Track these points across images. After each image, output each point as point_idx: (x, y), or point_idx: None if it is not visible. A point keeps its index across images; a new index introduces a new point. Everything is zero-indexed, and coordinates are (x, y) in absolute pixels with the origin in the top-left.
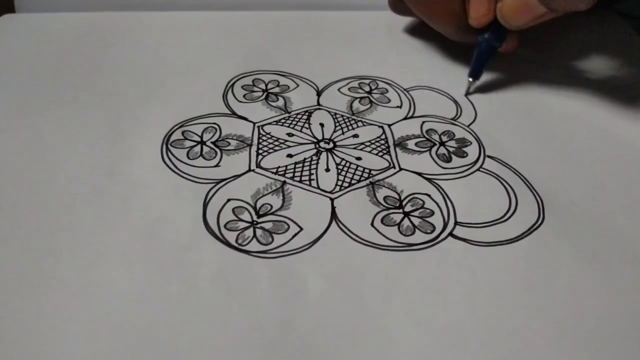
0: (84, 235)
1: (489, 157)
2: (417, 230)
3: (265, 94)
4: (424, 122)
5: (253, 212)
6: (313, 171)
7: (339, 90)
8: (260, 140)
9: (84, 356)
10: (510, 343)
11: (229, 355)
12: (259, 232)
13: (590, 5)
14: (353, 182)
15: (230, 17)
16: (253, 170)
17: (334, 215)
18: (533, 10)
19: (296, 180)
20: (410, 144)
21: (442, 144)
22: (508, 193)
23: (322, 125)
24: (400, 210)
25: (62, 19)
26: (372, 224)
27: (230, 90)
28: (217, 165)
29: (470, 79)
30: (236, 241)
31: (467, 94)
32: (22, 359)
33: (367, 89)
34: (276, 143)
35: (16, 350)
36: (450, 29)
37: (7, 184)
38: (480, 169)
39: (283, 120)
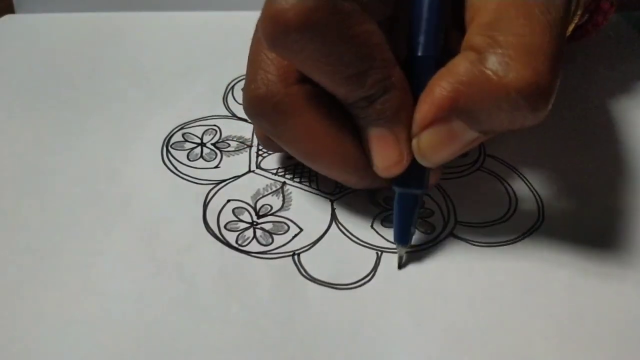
0: (85, 236)
1: (489, 156)
2: (417, 230)
3: None
4: None
5: (253, 213)
6: (313, 172)
7: None
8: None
9: (84, 356)
10: (510, 343)
11: (229, 355)
12: (259, 232)
13: (542, 119)
14: None
15: (230, 18)
16: (253, 171)
17: (334, 217)
18: (460, 139)
19: (296, 181)
20: None
21: None
22: (508, 193)
23: None
24: None
25: (62, 19)
26: (372, 226)
27: (230, 92)
28: (217, 167)
29: (400, 246)
30: (236, 242)
31: (401, 266)
32: (22, 359)
33: None
34: None
35: (16, 351)
36: (349, 177)
37: (7, 184)
38: (480, 169)
39: None
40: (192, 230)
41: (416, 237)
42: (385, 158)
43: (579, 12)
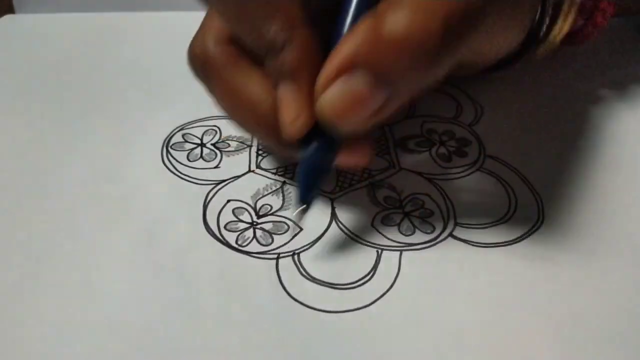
0: (85, 237)
1: (489, 156)
2: (417, 230)
3: None
4: (424, 122)
5: (253, 213)
6: None
7: None
8: (260, 141)
9: (84, 357)
10: (510, 343)
11: (229, 356)
12: (259, 232)
13: (442, 71)
14: (353, 182)
15: None
16: (253, 171)
17: (334, 216)
18: (367, 103)
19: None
20: (411, 144)
21: (442, 143)
22: (508, 193)
23: None
24: (400, 211)
25: (62, 19)
26: (372, 224)
27: None
28: (217, 167)
29: (299, 206)
30: (236, 242)
31: (298, 223)
32: (22, 359)
33: None
34: None
35: (16, 351)
36: (265, 138)
37: (7, 185)
38: (480, 169)
39: None
40: (192, 231)
41: (416, 237)
42: (286, 114)
43: (572, 16)
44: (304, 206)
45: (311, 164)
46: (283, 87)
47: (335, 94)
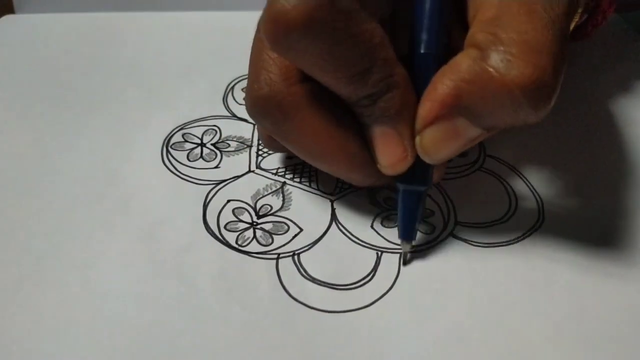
0: (85, 237)
1: (489, 156)
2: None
3: None
4: None
5: (253, 213)
6: (313, 172)
7: None
8: (260, 142)
9: (84, 357)
10: (510, 343)
11: (229, 356)
12: (259, 233)
13: (544, 116)
14: None
15: (230, 18)
16: (253, 171)
17: (333, 217)
18: (463, 136)
19: (296, 181)
20: None
21: None
22: (508, 193)
23: None
24: None
25: (62, 19)
26: (371, 226)
27: (230, 92)
28: (217, 167)
29: (404, 242)
30: (236, 242)
31: (406, 262)
32: (22, 359)
33: None
34: None
35: (16, 351)
36: (354, 176)
37: (7, 185)
38: (481, 169)
39: None
40: (192, 231)
41: (416, 237)
42: (390, 155)
43: (580, 11)
44: (407, 241)
45: (412, 198)
46: (380, 129)
47: (436, 134)
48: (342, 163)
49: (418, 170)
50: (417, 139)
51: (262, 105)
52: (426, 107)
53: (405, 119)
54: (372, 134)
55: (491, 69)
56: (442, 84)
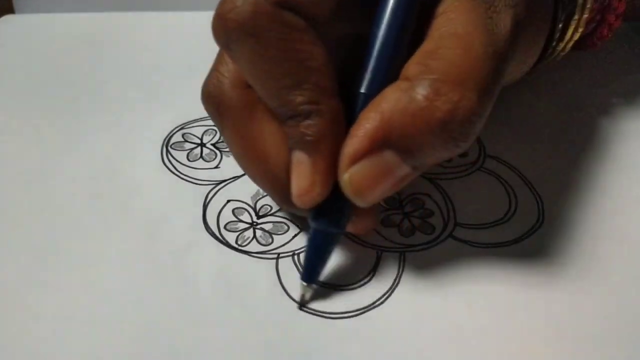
0: (85, 236)
1: (489, 156)
2: (417, 231)
3: None
4: None
5: (253, 213)
6: None
7: None
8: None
9: (84, 356)
10: (510, 343)
11: (229, 356)
12: (258, 233)
13: (468, 146)
14: None
15: None
16: None
17: None
18: (393, 173)
19: None
20: None
21: None
22: (508, 193)
23: None
24: (400, 211)
25: (62, 19)
26: None
27: None
28: (217, 167)
29: (304, 283)
30: (236, 242)
31: (303, 304)
32: (22, 359)
33: None
34: None
35: (16, 351)
36: (272, 195)
37: (7, 185)
38: (481, 169)
39: None
40: (192, 231)
41: (416, 238)
42: (298, 185)
43: (585, 15)
44: (307, 283)
45: (320, 238)
46: (299, 155)
47: (365, 170)
48: (259, 179)
49: (332, 210)
50: (345, 177)
51: (205, 99)
52: (353, 142)
53: (322, 152)
54: (291, 158)
55: (419, 96)
56: (370, 118)
